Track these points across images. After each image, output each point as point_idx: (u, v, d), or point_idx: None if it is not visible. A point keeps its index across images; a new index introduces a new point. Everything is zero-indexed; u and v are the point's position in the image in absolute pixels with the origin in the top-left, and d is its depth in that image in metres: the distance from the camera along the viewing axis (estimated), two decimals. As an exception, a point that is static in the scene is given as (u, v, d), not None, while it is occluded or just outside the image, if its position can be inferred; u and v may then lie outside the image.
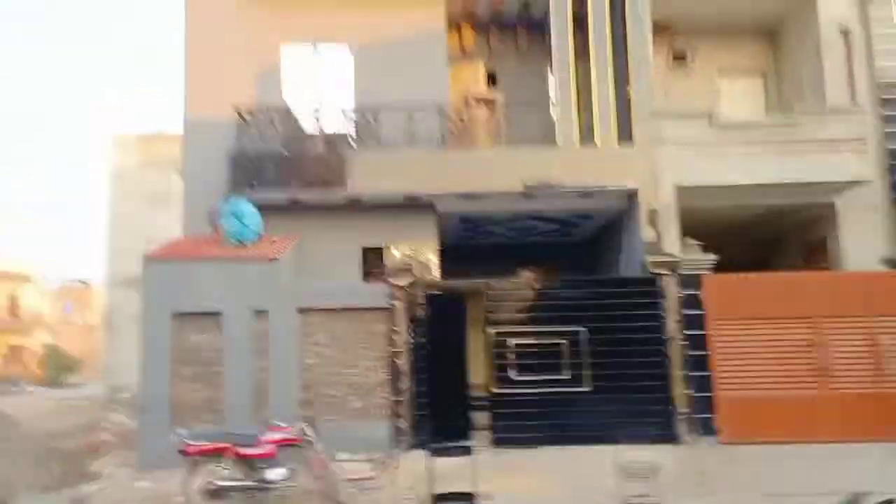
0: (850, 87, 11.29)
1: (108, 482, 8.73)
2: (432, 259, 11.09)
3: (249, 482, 7.33)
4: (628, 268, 11.21)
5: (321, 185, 10.71)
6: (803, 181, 10.46)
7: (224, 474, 7.27)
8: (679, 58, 13.37)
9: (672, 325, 9.64)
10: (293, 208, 11.14)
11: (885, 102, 11.33)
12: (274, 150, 10.85)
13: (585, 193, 10.96)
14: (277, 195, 10.76)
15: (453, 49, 13.01)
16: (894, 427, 9.07)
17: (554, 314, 9.74)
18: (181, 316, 9.59)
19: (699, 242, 10.02)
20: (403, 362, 9.60)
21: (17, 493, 8.08)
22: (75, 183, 73.79)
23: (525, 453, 9.14)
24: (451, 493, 7.12)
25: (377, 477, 8.52)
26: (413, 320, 9.71)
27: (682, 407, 9.49)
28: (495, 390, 9.61)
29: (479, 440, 9.73)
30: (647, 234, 10.49)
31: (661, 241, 10.44)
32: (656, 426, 9.40)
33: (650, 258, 9.92)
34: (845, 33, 11.41)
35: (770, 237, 13.86)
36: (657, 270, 9.78)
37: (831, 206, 11.29)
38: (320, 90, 11.70)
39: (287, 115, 11.27)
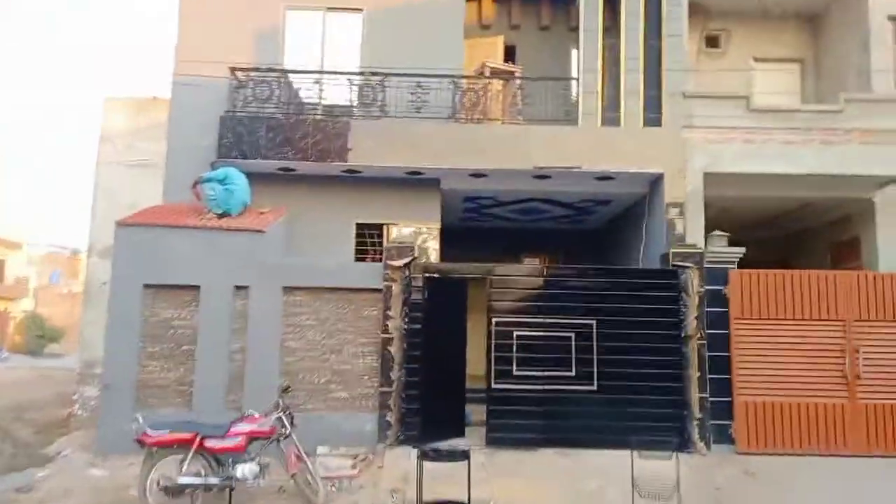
0: (898, 78, 10.44)
1: (60, 466, 7.89)
2: (434, 239, 10.22)
3: (214, 479, 6.49)
4: (647, 258, 10.33)
5: (318, 154, 9.82)
6: (845, 174, 9.57)
7: (186, 469, 6.42)
8: (712, 42, 12.52)
9: (692, 322, 8.78)
10: (285, 178, 10.31)
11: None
12: (269, 115, 9.94)
13: (606, 176, 10.06)
14: (269, 163, 9.88)
15: (471, 20, 12.17)
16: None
17: (563, 304, 8.88)
18: (153, 288, 8.73)
19: (725, 234, 9.15)
20: (395, 350, 8.75)
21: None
22: (70, 146, 72.60)
23: (523, 455, 8.38)
24: (442, 502, 6.27)
25: (359, 476, 7.72)
26: (408, 304, 8.84)
27: (697, 411, 8.65)
28: (494, 385, 8.77)
29: (474, 438, 8.95)
30: (670, 222, 9.58)
31: (685, 230, 9.55)
32: (668, 432, 8.58)
33: (673, 249, 9.03)
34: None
35: (792, 234, 13.01)
36: (679, 262, 8.89)
37: (868, 203, 10.41)
38: (324, 55, 10.80)
39: (286, 79, 10.33)
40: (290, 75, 10.40)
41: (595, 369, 8.76)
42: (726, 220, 11.26)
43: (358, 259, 10.30)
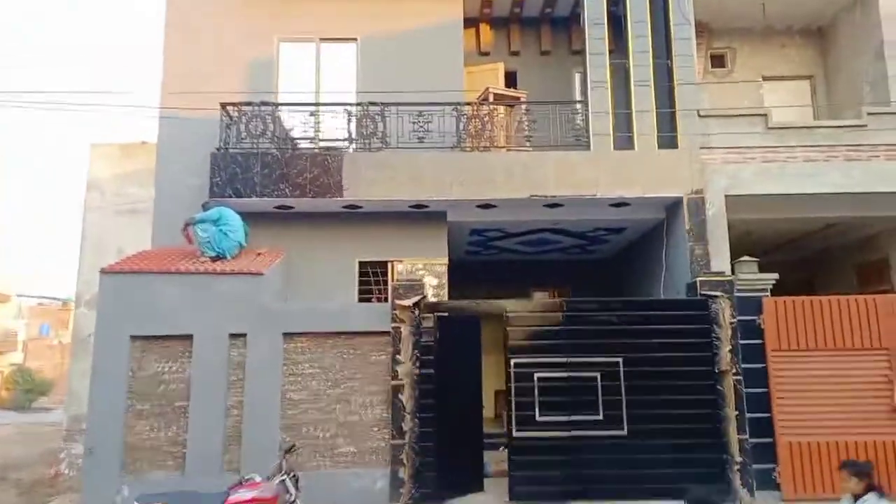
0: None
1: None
2: (442, 276, 9.60)
3: (210, 557, 5.73)
4: (668, 288, 9.72)
5: (315, 190, 9.26)
6: (872, 191, 9.06)
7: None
8: (717, 62, 12.20)
9: (725, 355, 8.13)
10: (282, 217, 9.71)
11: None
12: (263, 151, 9.41)
13: (621, 203, 9.51)
14: (265, 201, 9.31)
15: (469, 48, 11.82)
16: None
17: (586, 342, 8.22)
18: (141, 340, 8.04)
19: (754, 259, 8.58)
20: (406, 397, 8.05)
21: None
22: (59, 196, 72.01)
23: (551, 511, 7.64)
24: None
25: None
26: (418, 347, 8.17)
27: (737, 455, 7.94)
28: (516, 433, 8.04)
29: (495, 492, 8.20)
30: (692, 249, 9.00)
31: (709, 257, 8.97)
32: (706, 478, 7.85)
33: (700, 277, 8.42)
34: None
35: (816, 256, 12.47)
36: (708, 291, 8.28)
37: (898, 222, 9.92)
38: (319, 87, 10.35)
39: (280, 112, 9.83)
40: (284, 109, 9.90)
41: (624, 411, 8.07)
42: (746, 245, 10.73)
43: (362, 300, 9.66)
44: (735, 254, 8.99)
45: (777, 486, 7.91)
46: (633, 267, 11.94)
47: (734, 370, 8.10)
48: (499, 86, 11.02)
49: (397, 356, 8.14)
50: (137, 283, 8.10)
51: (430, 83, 9.81)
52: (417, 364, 8.13)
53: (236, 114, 9.59)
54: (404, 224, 9.83)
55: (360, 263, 9.85)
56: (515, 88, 11.52)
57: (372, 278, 9.89)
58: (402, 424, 7.98)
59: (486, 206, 9.67)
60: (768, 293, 8.35)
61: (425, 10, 10.36)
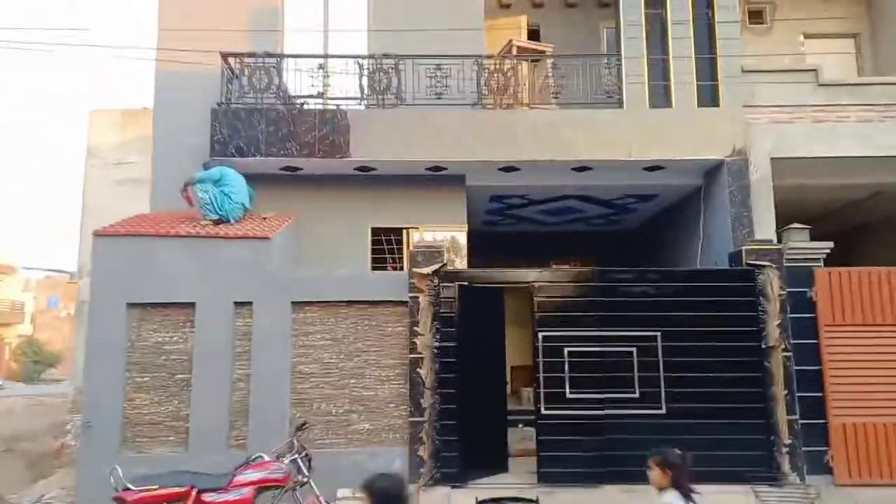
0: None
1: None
2: (462, 243, 8.95)
3: (213, 545, 5.18)
4: (706, 259, 9.03)
5: (325, 149, 8.58)
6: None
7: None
8: (755, 17, 11.36)
9: (773, 330, 7.46)
10: (290, 179, 9.05)
11: None
12: (268, 107, 8.71)
13: (656, 166, 8.79)
14: (270, 161, 8.64)
15: (490, 0, 10.99)
16: None
17: (621, 314, 7.57)
18: (140, 307, 7.43)
19: (805, 226, 7.86)
20: (425, 372, 7.44)
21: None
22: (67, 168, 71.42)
23: (582, 494, 7.07)
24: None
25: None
26: (438, 318, 7.54)
27: (786, 437, 7.31)
28: (545, 411, 7.44)
29: (519, 472, 7.63)
30: (736, 216, 8.29)
31: (753, 225, 8.26)
32: (752, 461, 7.27)
33: (746, 246, 7.72)
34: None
35: (858, 228, 11.72)
36: (755, 261, 7.58)
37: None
38: (328, 41, 9.63)
39: (286, 65, 9.10)
40: (291, 61, 9.16)
41: (662, 389, 7.44)
42: (785, 214, 10.01)
43: (375, 268, 9.04)
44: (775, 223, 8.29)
45: (829, 470, 7.28)
46: (662, 238, 11.24)
47: (783, 346, 7.43)
48: (521, 39, 10.27)
49: (415, 328, 7.51)
50: (134, 246, 7.47)
51: (448, 36, 9.05)
52: (437, 336, 7.50)
53: (238, 66, 8.88)
54: (420, 188, 9.17)
55: (373, 230, 9.24)
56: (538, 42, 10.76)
57: (385, 246, 9.26)
58: (422, 400, 7.38)
59: (508, 168, 8.97)
60: (821, 263, 7.64)
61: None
